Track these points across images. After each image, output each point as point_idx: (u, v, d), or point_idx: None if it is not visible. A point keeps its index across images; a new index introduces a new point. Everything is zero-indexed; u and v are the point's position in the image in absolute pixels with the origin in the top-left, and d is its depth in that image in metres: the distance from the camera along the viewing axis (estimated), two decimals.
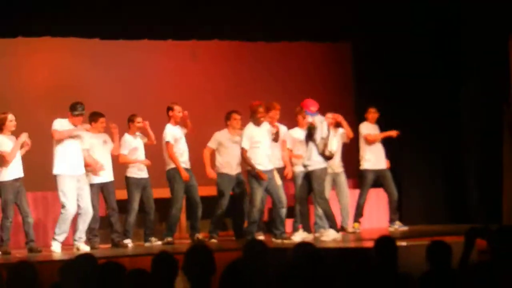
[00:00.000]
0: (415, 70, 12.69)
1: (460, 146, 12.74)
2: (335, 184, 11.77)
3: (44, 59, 12.31)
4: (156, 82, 12.77)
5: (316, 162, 10.61)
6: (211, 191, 11.38)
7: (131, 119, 10.96)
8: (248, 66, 13.35)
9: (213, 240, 10.97)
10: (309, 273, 4.90)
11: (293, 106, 11.13)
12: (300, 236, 10.65)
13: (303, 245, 5.41)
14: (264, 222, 11.71)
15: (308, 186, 10.70)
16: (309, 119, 10.60)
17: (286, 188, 11.25)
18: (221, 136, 11.26)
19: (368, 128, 12.13)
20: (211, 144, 11.28)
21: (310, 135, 10.62)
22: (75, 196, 10.04)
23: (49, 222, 11.04)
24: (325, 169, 10.72)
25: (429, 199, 12.88)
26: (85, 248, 10.03)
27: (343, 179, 11.86)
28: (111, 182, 10.73)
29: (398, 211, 12.12)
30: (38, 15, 9.79)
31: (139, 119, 10.96)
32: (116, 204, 10.73)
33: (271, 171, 10.63)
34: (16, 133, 10.15)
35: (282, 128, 11.21)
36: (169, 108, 10.99)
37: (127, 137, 10.94)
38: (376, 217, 12.53)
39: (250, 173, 10.62)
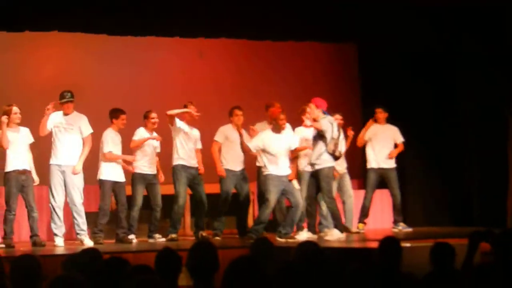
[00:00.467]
0: (420, 71, 12.69)
1: (464, 149, 12.72)
2: (338, 185, 11.78)
3: (51, 54, 12.34)
4: (162, 79, 12.78)
5: (324, 161, 10.62)
6: (216, 188, 11.38)
7: (146, 116, 10.94)
8: (255, 65, 13.36)
9: (217, 238, 10.99)
10: (311, 271, 4.90)
11: (299, 105, 11.12)
12: (304, 235, 10.66)
13: (306, 243, 5.42)
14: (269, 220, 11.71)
15: (316, 185, 10.71)
16: (321, 118, 10.60)
17: None
18: (227, 130, 11.27)
19: (373, 130, 12.12)
20: (218, 138, 11.27)
21: (320, 135, 10.63)
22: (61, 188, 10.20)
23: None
24: (333, 168, 10.73)
25: (433, 202, 12.88)
26: (89, 243, 10.04)
27: (347, 180, 11.87)
28: (123, 182, 10.73)
29: (402, 213, 12.12)
30: (45, 10, 9.77)
31: (153, 114, 10.93)
32: (126, 201, 10.74)
33: (286, 176, 10.62)
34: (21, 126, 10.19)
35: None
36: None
37: (142, 131, 10.92)
38: (380, 218, 12.52)
39: (262, 173, 10.64)
